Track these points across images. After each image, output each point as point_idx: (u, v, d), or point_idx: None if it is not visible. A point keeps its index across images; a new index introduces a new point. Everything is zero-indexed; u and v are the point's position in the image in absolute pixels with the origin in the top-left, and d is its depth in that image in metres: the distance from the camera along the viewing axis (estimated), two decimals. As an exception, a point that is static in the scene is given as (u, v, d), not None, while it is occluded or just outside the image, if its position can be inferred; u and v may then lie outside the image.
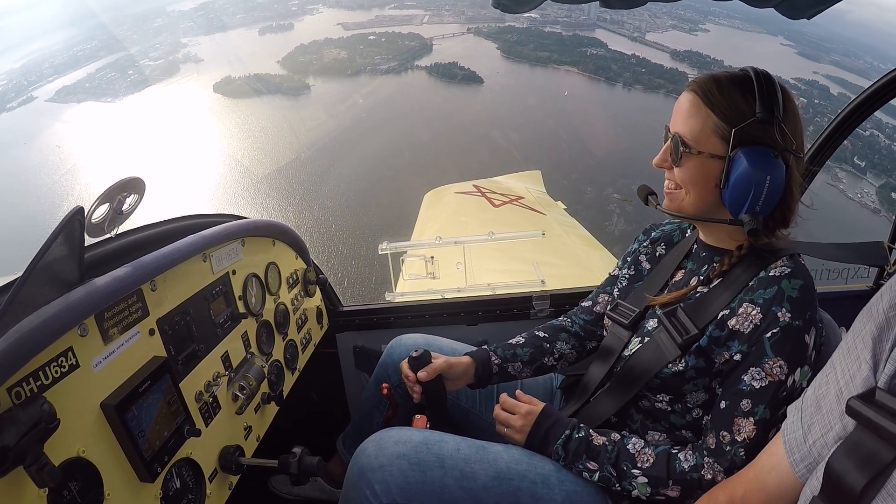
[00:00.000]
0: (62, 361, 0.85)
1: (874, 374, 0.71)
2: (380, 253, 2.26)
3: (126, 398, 0.94)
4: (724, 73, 1.15)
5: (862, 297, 0.75)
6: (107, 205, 1.02)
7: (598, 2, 1.22)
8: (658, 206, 1.26)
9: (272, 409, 1.52)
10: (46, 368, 0.82)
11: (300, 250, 1.88)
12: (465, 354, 1.51)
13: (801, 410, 0.83)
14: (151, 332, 1.06)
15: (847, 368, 0.76)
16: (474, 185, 7.93)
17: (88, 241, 1.07)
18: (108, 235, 1.07)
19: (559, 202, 8.09)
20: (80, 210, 0.88)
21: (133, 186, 1.05)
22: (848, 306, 0.79)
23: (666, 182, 1.24)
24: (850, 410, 0.69)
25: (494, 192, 7.41)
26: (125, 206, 1.06)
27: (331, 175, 42.91)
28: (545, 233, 2.47)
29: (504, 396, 1.39)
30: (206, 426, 1.20)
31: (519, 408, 1.33)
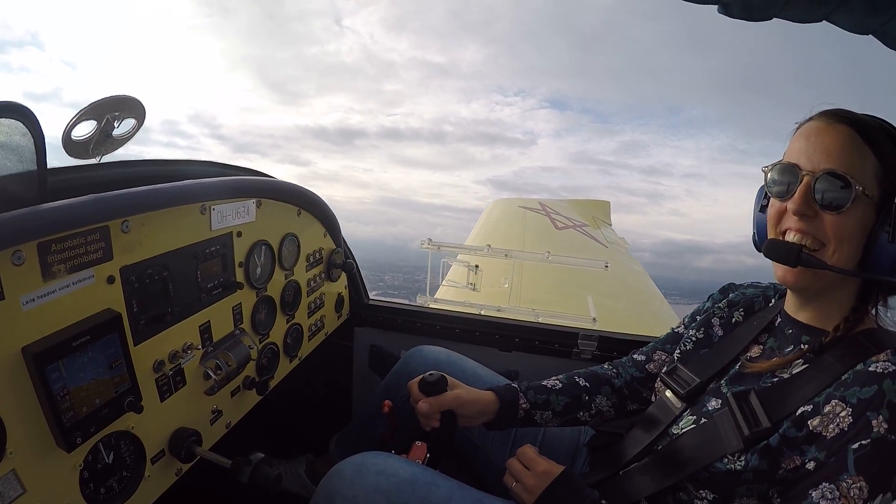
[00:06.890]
0: None
1: None
2: (420, 248, 2.05)
3: (52, 349, 0.78)
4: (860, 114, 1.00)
5: None
6: (93, 122, 0.86)
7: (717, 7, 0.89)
8: (826, 266, 0.92)
9: (253, 397, 1.34)
10: None
11: (331, 228, 1.71)
12: (490, 389, 1.33)
13: None
14: (111, 280, 0.89)
15: None
16: (540, 203, 7.63)
17: (71, 161, 0.93)
18: (92, 161, 0.92)
19: (623, 238, 7.60)
20: (25, 109, 0.71)
21: (129, 107, 0.89)
22: None
23: (797, 236, 0.96)
24: None
25: (559, 214, 7.10)
26: (116, 130, 0.90)
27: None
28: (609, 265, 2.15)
29: (526, 448, 1.19)
30: (161, 401, 1.03)
31: (536, 464, 1.14)
